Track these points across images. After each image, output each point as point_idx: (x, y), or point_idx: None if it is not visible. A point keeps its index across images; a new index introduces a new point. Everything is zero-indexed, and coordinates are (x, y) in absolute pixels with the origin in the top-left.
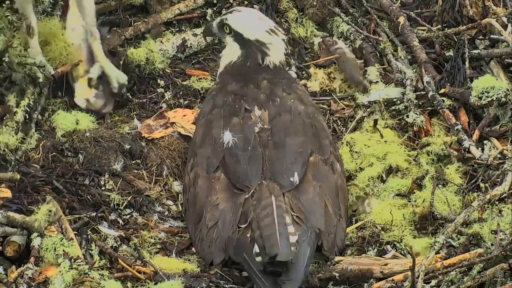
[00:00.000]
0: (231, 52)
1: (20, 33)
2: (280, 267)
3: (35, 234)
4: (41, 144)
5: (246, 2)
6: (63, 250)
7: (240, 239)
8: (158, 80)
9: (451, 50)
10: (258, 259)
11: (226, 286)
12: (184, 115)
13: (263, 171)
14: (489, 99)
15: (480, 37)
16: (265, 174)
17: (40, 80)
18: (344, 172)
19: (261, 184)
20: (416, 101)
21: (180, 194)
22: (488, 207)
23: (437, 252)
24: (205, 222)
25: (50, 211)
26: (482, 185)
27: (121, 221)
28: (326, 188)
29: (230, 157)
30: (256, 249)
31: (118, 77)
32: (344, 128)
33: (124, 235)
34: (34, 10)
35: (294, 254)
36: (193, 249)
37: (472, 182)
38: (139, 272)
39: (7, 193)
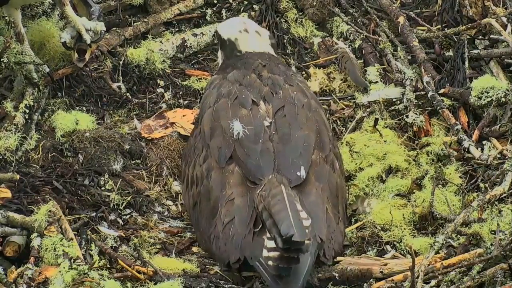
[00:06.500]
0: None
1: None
2: (296, 252)
3: (35, 234)
4: (40, 144)
5: (246, 2)
6: (63, 250)
7: (257, 241)
8: (158, 80)
9: (450, 50)
10: (271, 249)
11: (226, 286)
12: (184, 115)
13: (274, 165)
14: (489, 99)
15: (480, 37)
16: (275, 169)
17: (36, 80)
18: (343, 170)
19: (270, 178)
20: (416, 101)
21: (179, 194)
22: (487, 207)
23: (437, 252)
24: (220, 218)
25: (49, 211)
26: (482, 185)
27: (120, 221)
28: (327, 189)
29: (241, 149)
30: (268, 243)
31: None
32: (344, 128)
33: (123, 235)
34: (31, 13)
35: (309, 237)
36: (197, 248)
37: (471, 182)
38: (139, 272)
39: (7, 193)
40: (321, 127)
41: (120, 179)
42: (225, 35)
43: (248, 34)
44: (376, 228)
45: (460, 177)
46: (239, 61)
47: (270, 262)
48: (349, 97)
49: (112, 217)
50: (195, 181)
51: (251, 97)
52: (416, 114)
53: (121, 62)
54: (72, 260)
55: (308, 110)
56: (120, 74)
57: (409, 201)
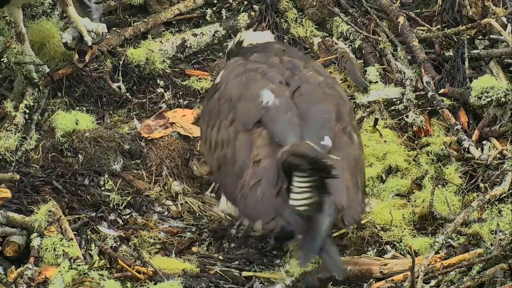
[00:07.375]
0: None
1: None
2: (324, 171)
3: (35, 234)
4: (40, 144)
5: (245, 2)
6: (63, 250)
7: (285, 199)
8: (158, 80)
9: (450, 50)
10: (298, 187)
11: (226, 286)
12: (184, 115)
13: (300, 136)
14: (489, 99)
15: (480, 37)
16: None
17: (36, 80)
18: (361, 142)
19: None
20: (416, 101)
21: (179, 194)
22: (487, 207)
23: (437, 252)
24: (246, 179)
25: (49, 211)
26: (481, 185)
27: (120, 221)
28: (346, 159)
29: (269, 116)
30: (295, 182)
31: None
32: None
33: (123, 235)
34: (31, 13)
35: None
36: (197, 248)
37: (471, 182)
38: (139, 272)
39: (7, 193)
40: (339, 100)
41: (120, 179)
42: (230, 43)
43: (250, 31)
44: (376, 228)
45: (460, 177)
46: (255, 48)
47: (297, 207)
48: (349, 97)
49: (112, 217)
50: (220, 144)
51: (278, 78)
52: (416, 114)
53: (121, 62)
54: (72, 260)
55: (326, 86)
56: (120, 74)
57: (409, 201)
